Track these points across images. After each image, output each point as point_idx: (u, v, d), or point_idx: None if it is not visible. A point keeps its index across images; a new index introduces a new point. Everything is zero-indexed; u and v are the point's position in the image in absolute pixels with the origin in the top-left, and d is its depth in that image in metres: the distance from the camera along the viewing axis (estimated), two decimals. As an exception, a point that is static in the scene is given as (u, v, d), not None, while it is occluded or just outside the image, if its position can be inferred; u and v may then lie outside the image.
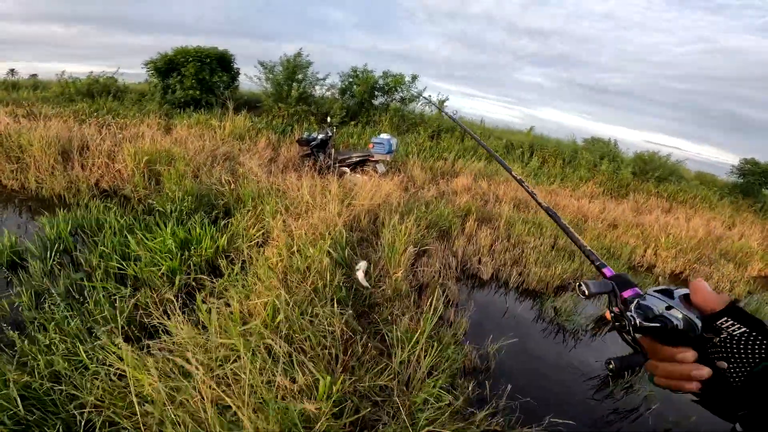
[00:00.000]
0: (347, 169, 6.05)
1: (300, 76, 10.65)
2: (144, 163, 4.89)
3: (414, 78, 11.07)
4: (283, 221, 3.55)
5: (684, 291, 0.63)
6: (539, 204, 1.02)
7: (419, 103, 11.38)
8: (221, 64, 11.49)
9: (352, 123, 10.03)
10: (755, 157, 14.06)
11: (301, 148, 6.53)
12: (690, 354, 0.57)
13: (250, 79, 10.97)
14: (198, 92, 10.99)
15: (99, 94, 12.05)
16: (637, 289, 0.70)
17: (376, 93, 11.09)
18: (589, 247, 0.86)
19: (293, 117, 10.09)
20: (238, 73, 11.98)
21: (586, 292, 0.68)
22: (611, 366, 0.65)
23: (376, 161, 5.91)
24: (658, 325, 0.60)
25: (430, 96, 11.39)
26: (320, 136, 6.14)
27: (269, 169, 5.11)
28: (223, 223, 3.95)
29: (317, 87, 10.97)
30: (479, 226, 5.21)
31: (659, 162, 12.48)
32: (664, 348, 0.60)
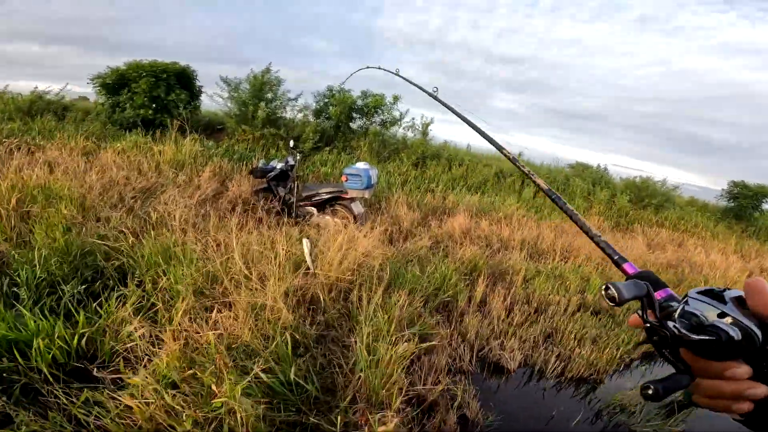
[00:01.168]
0: (314, 210, 4.57)
1: (269, 95, 9.25)
2: (14, 204, 3.28)
3: (396, 99, 9.84)
4: (186, 314, 2.02)
5: (736, 293, 0.50)
6: (536, 182, 0.83)
7: (401, 127, 10.12)
8: (180, 81, 9.97)
9: (327, 149, 8.62)
10: (724, 177, 13.58)
11: (256, 181, 5.05)
12: (744, 369, 0.46)
13: (210, 98, 9.51)
14: (150, 111, 9.40)
15: (40, 112, 10.34)
16: (669, 290, 0.56)
17: (354, 115, 9.77)
18: (603, 238, 0.67)
19: (259, 141, 8.62)
20: (200, 92, 10.46)
21: (617, 298, 0.49)
22: (650, 392, 0.47)
23: (351, 199, 4.48)
24: (710, 338, 0.46)
25: (413, 120, 10.14)
26: (279, 166, 4.67)
27: (203, 211, 3.59)
28: (102, 300, 2.39)
29: (288, 108, 9.58)
30: (491, 287, 3.79)
31: (653, 188, 11.59)
32: (712, 363, 0.48)
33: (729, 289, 0.51)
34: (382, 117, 9.90)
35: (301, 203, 4.57)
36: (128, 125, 9.19)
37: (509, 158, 0.96)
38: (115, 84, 9.68)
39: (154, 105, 9.56)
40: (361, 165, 4.32)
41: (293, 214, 4.59)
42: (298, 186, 4.61)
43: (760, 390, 0.45)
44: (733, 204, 13.12)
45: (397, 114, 9.91)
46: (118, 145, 6.08)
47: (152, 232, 2.73)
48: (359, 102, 9.69)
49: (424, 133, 10.17)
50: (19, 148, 5.95)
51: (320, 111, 9.70)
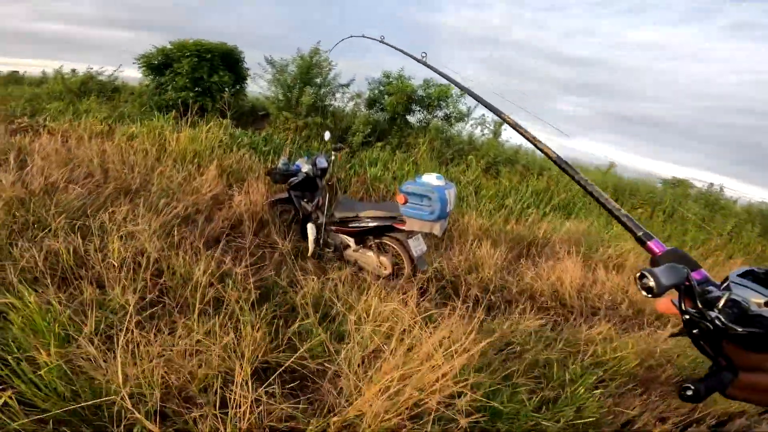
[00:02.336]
0: (351, 242, 3.04)
1: (318, 80, 7.88)
2: None
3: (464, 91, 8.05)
4: None
5: None
6: (542, 150, 0.78)
7: (468, 124, 8.32)
8: (226, 63, 8.90)
9: (379, 144, 7.07)
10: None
11: (278, 188, 3.61)
12: None
13: (252, 79, 8.39)
14: (192, 94, 8.43)
15: (89, 92, 9.87)
16: (703, 271, 0.51)
17: (414, 107, 8.13)
18: (624, 212, 0.62)
19: (302, 131, 7.27)
20: (246, 75, 9.37)
21: (655, 288, 0.43)
22: (690, 393, 0.44)
23: (409, 232, 2.84)
24: (759, 330, 0.41)
25: (484, 116, 8.29)
26: (305, 169, 3.21)
27: (161, 246, 2.16)
28: None
29: (338, 95, 8.16)
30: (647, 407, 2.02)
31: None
32: (751, 355, 0.43)
33: None
34: (446, 111, 8.18)
35: (333, 227, 3.05)
36: (167, 107, 8.27)
37: (518, 131, 0.88)
38: (161, 64, 8.85)
39: (196, 88, 8.63)
40: (431, 179, 2.59)
41: (320, 242, 3.09)
42: (330, 200, 3.07)
43: None
44: None
45: (464, 108, 8.15)
46: (132, 129, 4.94)
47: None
48: (420, 92, 8.03)
49: (497, 134, 8.31)
50: (27, 131, 5.06)
51: (374, 100, 8.17)
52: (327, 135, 3.33)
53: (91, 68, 10.51)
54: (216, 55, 8.65)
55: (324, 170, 3.27)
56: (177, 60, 8.46)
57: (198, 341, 1.31)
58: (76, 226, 2.06)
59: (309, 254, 3.04)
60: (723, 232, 7.71)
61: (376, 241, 2.90)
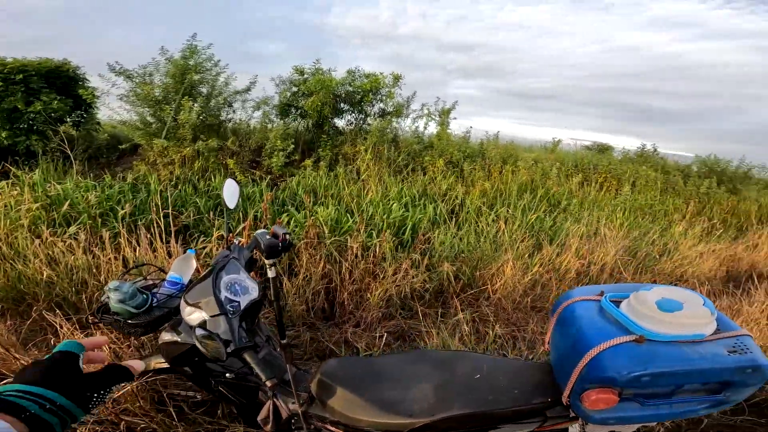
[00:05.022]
0: None
1: (205, 90, 5.70)
2: None
3: (397, 79, 6.48)
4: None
5: None
6: None
7: (408, 118, 6.78)
8: (52, 84, 6.15)
9: (308, 162, 5.17)
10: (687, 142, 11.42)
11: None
12: None
13: (96, 98, 5.93)
14: (5, 133, 5.62)
15: None
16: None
17: (341, 105, 6.36)
18: None
19: (192, 163, 5.04)
20: (94, 98, 6.63)
21: None
22: None
23: None
24: None
25: (425, 107, 6.82)
26: (194, 317, 1.00)
27: None
28: None
29: (236, 105, 6.05)
30: None
31: (729, 170, 8.98)
32: None
33: None
34: (381, 105, 6.56)
35: (332, 426, 1.15)
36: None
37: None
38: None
39: (14, 124, 5.80)
40: (697, 317, 0.83)
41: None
42: (294, 368, 1.11)
43: None
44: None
45: (400, 100, 6.60)
46: None
47: None
48: (346, 87, 6.27)
49: (443, 125, 6.91)
50: None
51: (288, 105, 6.20)
52: (230, 192, 1.37)
53: None
54: (34, 76, 5.86)
55: (256, 306, 1.20)
56: (-32, 87, 5.53)
57: None
58: None
59: None
60: (691, 192, 7.36)
61: None
